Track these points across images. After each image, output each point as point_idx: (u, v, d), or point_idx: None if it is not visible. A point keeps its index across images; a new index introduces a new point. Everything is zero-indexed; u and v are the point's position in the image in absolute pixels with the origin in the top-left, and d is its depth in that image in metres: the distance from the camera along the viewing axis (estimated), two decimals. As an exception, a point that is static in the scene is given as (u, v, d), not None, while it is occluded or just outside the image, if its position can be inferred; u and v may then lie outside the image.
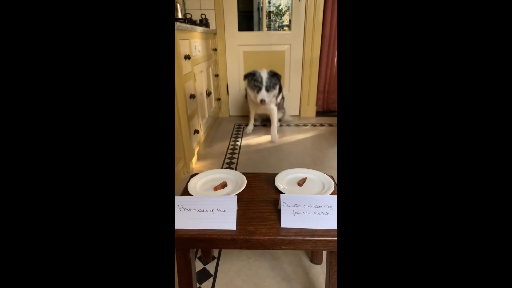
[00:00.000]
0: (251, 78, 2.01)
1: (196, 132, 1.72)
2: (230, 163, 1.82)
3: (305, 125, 2.55)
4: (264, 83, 1.94)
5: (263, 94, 1.95)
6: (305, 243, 0.62)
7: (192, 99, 1.63)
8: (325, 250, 0.65)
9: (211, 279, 0.93)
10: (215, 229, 0.65)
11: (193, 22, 2.18)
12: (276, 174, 0.89)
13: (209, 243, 0.64)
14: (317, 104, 2.84)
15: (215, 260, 1.01)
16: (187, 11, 2.44)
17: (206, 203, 0.65)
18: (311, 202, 0.65)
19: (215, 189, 0.79)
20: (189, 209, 0.65)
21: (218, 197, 0.65)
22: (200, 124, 1.88)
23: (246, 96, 2.37)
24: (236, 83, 2.74)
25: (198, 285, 0.91)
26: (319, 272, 0.95)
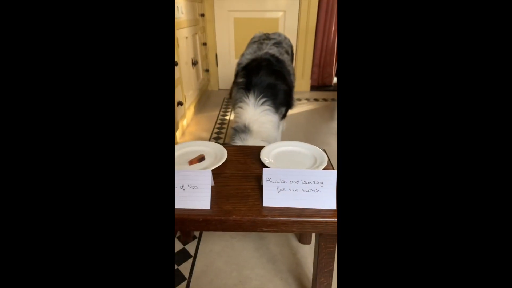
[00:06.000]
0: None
1: (180, 104, 1.59)
2: (217, 138, 1.71)
3: (299, 99, 2.42)
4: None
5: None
6: (290, 224, 0.53)
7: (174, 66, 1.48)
8: (313, 232, 0.57)
9: (190, 260, 0.86)
10: (186, 208, 0.55)
11: (177, -18, 1.96)
12: (263, 147, 0.79)
13: (179, 224, 0.54)
14: (312, 78, 2.70)
15: (196, 240, 0.93)
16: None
17: (175, 178, 0.55)
18: (298, 177, 0.55)
19: (190, 163, 0.69)
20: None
21: (189, 171, 0.55)
22: (185, 96, 1.74)
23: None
24: (226, 53, 2.55)
25: (176, 266, 0.83)
26: (308, 253, 0.88)
